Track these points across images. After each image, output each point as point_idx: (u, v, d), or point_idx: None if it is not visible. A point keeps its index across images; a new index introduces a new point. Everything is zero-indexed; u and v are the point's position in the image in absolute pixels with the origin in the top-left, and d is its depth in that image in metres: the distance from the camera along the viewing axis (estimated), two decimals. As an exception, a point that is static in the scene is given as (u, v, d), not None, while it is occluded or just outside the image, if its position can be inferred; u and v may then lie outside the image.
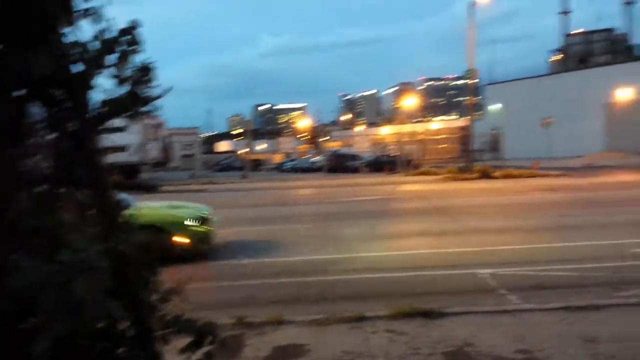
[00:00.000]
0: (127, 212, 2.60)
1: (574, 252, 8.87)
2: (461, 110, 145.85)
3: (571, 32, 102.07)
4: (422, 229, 12.19)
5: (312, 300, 6.79)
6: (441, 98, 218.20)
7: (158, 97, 2.77)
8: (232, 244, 10.96)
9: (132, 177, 33.10)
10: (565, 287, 6.85)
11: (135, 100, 2.70)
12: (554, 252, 8.97)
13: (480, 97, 64.71)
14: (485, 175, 27.66)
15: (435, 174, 31.55)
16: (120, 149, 31.45)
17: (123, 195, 2.96)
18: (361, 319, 5.60)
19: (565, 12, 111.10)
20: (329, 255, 9.64)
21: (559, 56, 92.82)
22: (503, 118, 52.83)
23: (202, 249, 9.33)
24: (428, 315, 5.64)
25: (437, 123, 77.31)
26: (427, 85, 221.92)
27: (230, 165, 57.60)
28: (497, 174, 27.77)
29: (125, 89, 2.61)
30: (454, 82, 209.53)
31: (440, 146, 56.67)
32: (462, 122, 59.78)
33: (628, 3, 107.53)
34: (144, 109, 2.75)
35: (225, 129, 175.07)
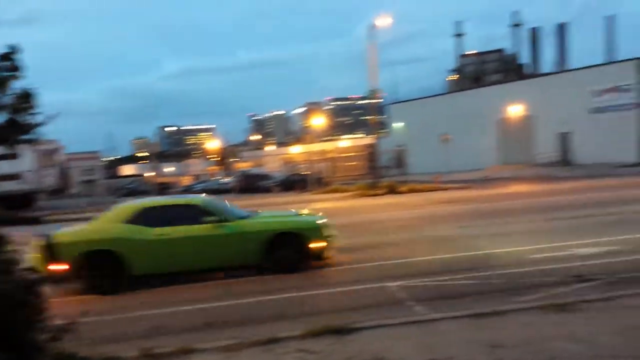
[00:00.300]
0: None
1: (476, 261, 9.26)
2: (367, 128, 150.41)
3: (465, 53, 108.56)
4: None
5: (221, 325, 6.57)
6: (348, 117, 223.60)
7: (41, 123, 2.55)
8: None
9: (25, 206, 30.89)
10: (469, 295, 7.11)
11: (15, 129, 2.48)
12: (457, 262, 9.31)
13: (384, 115, 66.99)
14: (392, 190, 28.53)
15: (345, 191, 32.11)
16: (11, 177, 29.34)
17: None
18: (273, 341, 5.47)
19: (459, 35, 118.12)
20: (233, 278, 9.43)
21: (455, 76, 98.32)
22: (406, 135, 55.14)
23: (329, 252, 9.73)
24: (339, 332, 5.62)
25: (345, 141, 79.01)
26: (334, 105, 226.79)
27: (135, 190, 55.45)
28: (403, 189, 28.73)
29: (4, 117, 2.40)
30: (360, 102, 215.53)
31: (349, 164, 57.90)
32: (368, 140, 61.44)
33: (515, 25, 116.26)
34: (25, 136, 2.53)
35: (129, 152, 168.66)
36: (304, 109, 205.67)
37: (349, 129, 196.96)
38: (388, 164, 52.32)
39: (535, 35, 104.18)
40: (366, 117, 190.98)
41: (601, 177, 29.07)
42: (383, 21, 31.37)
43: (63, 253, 8.68)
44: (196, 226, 9.10)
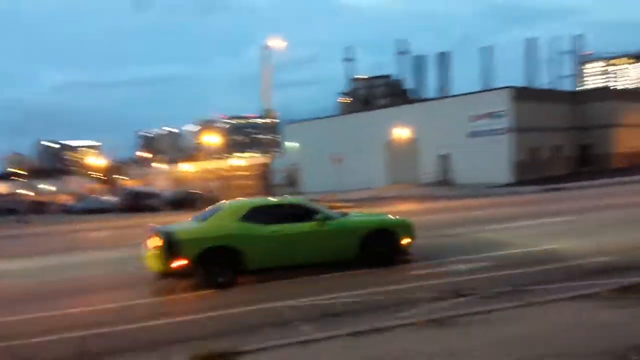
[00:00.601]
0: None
1: (361, 278, 9.43)
2: (262, 147, 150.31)
3: (356, 78, 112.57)
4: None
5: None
6: (242, 136, 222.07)
7: None
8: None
9: None
10: (353, 313, 7.19)
11: None
12: (340, 280, 9.42)
13: (279, 135, 67.48)
14: (285, 209, 28.54)
15: (236, 210, 31.64)
16: None
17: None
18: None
19: (350, 60, 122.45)
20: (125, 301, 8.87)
21: (347, 99, 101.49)
22: (300, 155, 55.80)
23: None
24: (224, 356, 5.43)
25: (239, 160, 78.39)
26: (228, 123, 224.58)
27: (7, 209, 50.94)
28: (295, 208, 28.85)
29: None
30: (255, 121, 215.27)
31: (242, 182, 57.39)
32: (262, 159, 61.41)
33: (401, 53, 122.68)
34: None
35: (1, 169, 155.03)
36: (197, 126, 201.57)
37: (243, 147, 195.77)
38: (282, 183, 52.55)
39: (419, 63, 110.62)
40: (260, 137, 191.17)
41: (477, 196, 31.15)
42: (276, 43, 31.69)
43: (184, 250, 9.11)
44: (304, 223, 9.94)
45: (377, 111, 57.91)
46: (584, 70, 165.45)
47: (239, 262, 9.43)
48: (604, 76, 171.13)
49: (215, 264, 9.28)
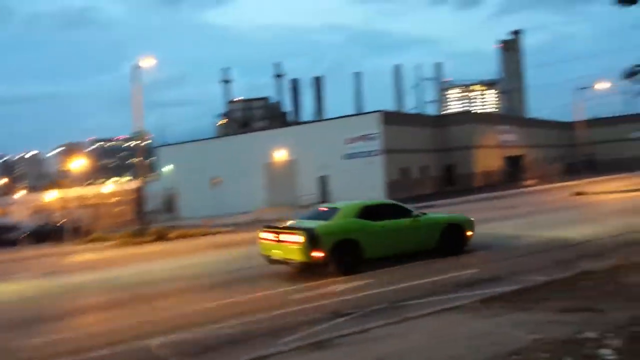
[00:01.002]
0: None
1: (238, 307, 9.17)
2: (134, 171, 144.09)
3: (233, 99, 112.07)
4: (89, 304, 11.09)
5: None
6: (112, 159, 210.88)
7: None
8: None
9: None
10: (230, 344, 6.94)
11: None
12: (219, 310, 9.10)
13: (153, 158, 64.93)
14: (161, 237, 27.32)
15: (108, 239, 29.73)
16: None
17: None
18: None
19: (227, 81, 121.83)
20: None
21: (224, 120, 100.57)
22: (176, 179, 54.06)
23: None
24: None
25: (110, 185, 74.14)
26: (97, 146, 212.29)
27: None
28: (172, 234, 27.73)
29: None
30: (126, 143, 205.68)
31: (114, 210, 54.10)
32: (135, 183, 58.63)
33: (278, 76, 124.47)
34: None
35: None
36: (62, 150, 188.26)
37: (114, 172, 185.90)
38: (157, 208, 50.39)
39: (295, 86, 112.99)
40: (133, 160, 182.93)
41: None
42: (147, 62, 30.53)
43: (321, 243, 11.08)
44: (403, 219, 12.23)
45: (256, 133, 57.98)
46: (447, 96, 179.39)
47: (359, 252, 11.50)
48: (464, 101, 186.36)
49: (344, 254, 11.28)
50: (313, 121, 74.46)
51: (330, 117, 60.62)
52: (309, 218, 12.70)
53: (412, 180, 46.32)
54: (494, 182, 50.78)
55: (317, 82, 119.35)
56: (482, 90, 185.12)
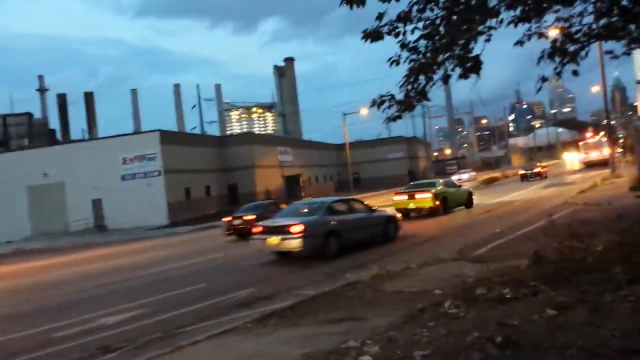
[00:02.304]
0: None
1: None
2: None
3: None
4: None
5: None
6: None
7: None
8: None
9: None
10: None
11: None
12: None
13: None
14: None
15: None
16: None
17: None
18: None
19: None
20: None
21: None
22: None
23: None
24: None
25: None
26: None
27: None
28: None
29: None
30: None
31: None
32: None
33: (41, 90, 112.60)
34: None
35: None
36: None
37: None
38: None
39: (63, 102, 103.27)
40: None
41: (136, 240, 30.41)
42: None
43: (437, 198, 22.32)
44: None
45: (18, 153, 51.42)
46: (229, 117, 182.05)
47: (446, 204, 22.83)
48: (245, 122, 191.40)
49: (444, 203, 22.69)
50: (85, 140, 69.00)
51: (105, 135, 56.60)
52: (425, 186, 23.99)
53: (195, 201, 45.73)
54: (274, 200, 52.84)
55: (88, 97, 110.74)
56: (261, 113, 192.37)
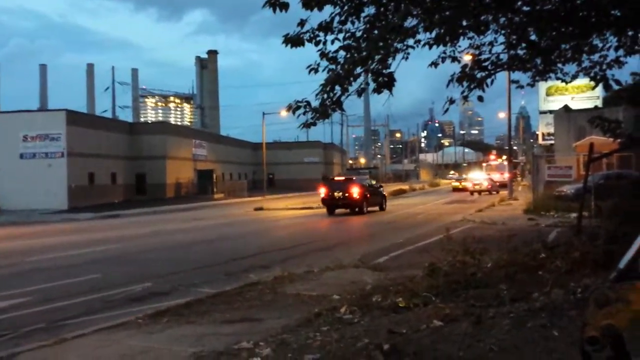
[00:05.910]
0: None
1: None
2: None
3: None
4: None
5: None
6: None
7: None
8: None
9: None
10: None
11: None
12: None
13: None
14: None
15: None
16: None
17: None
18: None
19: None
20: None
21: None
22: None
23: None
24: None
25: None
26: None
27: None
28: None
29: None
30: None
31: None
32: None
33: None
34: None
35: None
36: None
37: None
38: None
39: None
40: None
41: (29, 224, 28.57)
42: None
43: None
44: None
45: None
46: (144, 104, 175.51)
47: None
48: (161, 111, 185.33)
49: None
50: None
51: (5, 110, 52.58)
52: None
53: (99, 187, 43.64)
54: (185, 194, 51.62)
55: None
56: (179, 104, 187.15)
